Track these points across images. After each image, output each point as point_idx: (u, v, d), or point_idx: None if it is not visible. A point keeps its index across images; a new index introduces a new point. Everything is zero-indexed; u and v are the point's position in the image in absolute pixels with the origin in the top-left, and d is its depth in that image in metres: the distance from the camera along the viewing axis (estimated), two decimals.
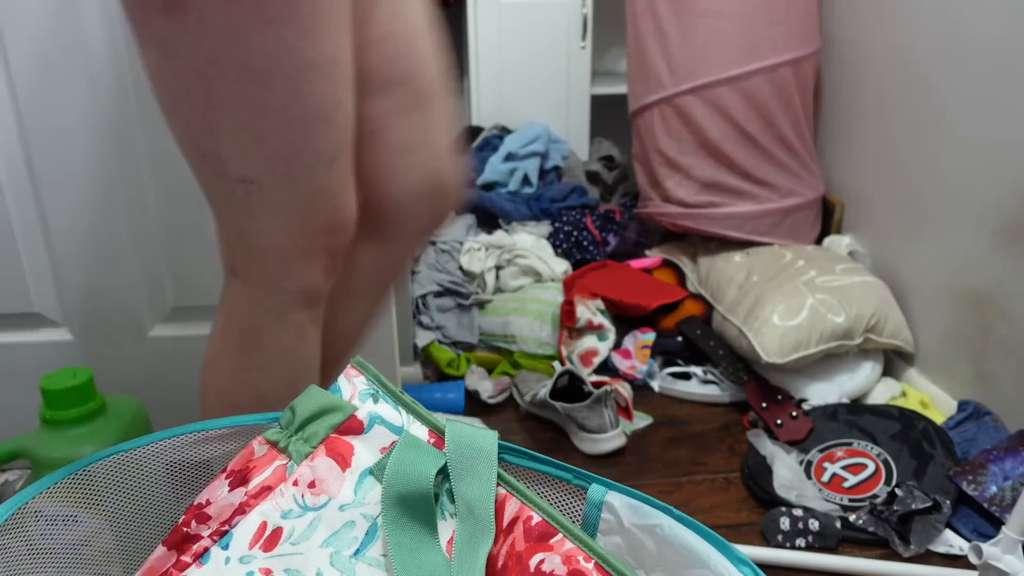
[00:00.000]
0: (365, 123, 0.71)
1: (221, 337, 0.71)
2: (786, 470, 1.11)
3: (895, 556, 0.99)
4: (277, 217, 0.64)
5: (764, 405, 1.26)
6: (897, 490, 1.03)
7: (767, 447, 1.16)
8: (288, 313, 0.69)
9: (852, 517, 1.04)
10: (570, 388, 1.34)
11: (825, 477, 1.12)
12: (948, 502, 1.01)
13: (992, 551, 0.89)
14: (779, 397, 1.27)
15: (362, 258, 0.78)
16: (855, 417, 1.21)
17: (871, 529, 1.01)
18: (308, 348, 0.71)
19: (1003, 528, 0.87)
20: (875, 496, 1.07)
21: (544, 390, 1.31)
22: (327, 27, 0.59)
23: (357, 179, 0.71)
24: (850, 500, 1.08)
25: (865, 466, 1.12)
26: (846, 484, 1.10)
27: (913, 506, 1.00)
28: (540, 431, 1.31)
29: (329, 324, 0.77)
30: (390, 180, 0.75)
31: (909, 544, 0.99)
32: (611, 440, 1.23)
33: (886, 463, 1.12)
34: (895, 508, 1.01)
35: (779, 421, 1.22)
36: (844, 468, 1.12)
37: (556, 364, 1.39)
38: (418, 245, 0.85)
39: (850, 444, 1.16)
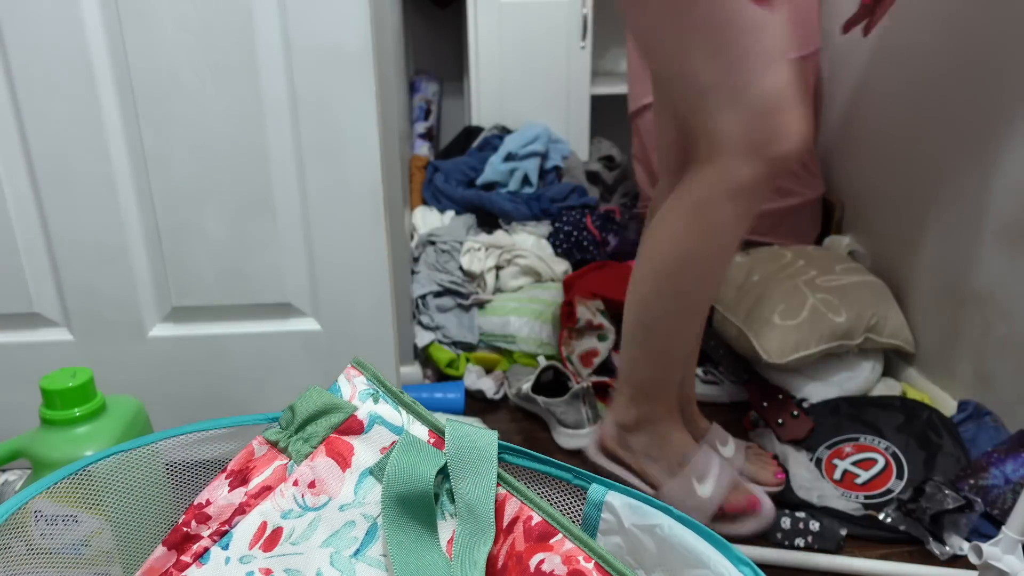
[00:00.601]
0: None
1: (679, 203, 0.90)
2: (803, 470, 1.10)
3: (895, 556, 0.99)
4: (731, 115, 0.82)
5: (765, 404, 1.26)
6: (926, 487, 1.02)
7: (777, 447, 1.16)
8: (736, 197, 0.85)
9: (881, 515, 1.03)
10: (555, 383, 1.36)
11: (836, 474, 1.11)
12: (980, 500, 1.00)
13: (992, 551, 0.89)
14: (779, 396, 1.27)
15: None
16: (858, 411, 1.21)
17: (902, 527, 1.00)
18: (732, 234, 0.88)
19: (1003, 528, 0.87)
20: (889, 491, 1.07)
21: (527, 384, 1.33)
22: None
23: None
24: (865, 497, 1.07)
25: (875, 461, 1.11)
26: (858, 480, 1.09)
27: (947, 505, 0.99)
28: (539, 430, 1.31)
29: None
30: None
31: (944, 544, 0.98)
32: (587, 437, 1.24)
33: (895, 456, 1.11)
34: (926, 506, 1.00)
35: (780, 420, 1.22)
36: (854, 464, 1.12)
37: (541, 359, 1.40)
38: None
39: (856, 439, 1.15)
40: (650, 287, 0.94)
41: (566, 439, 1.26)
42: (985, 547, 0.89)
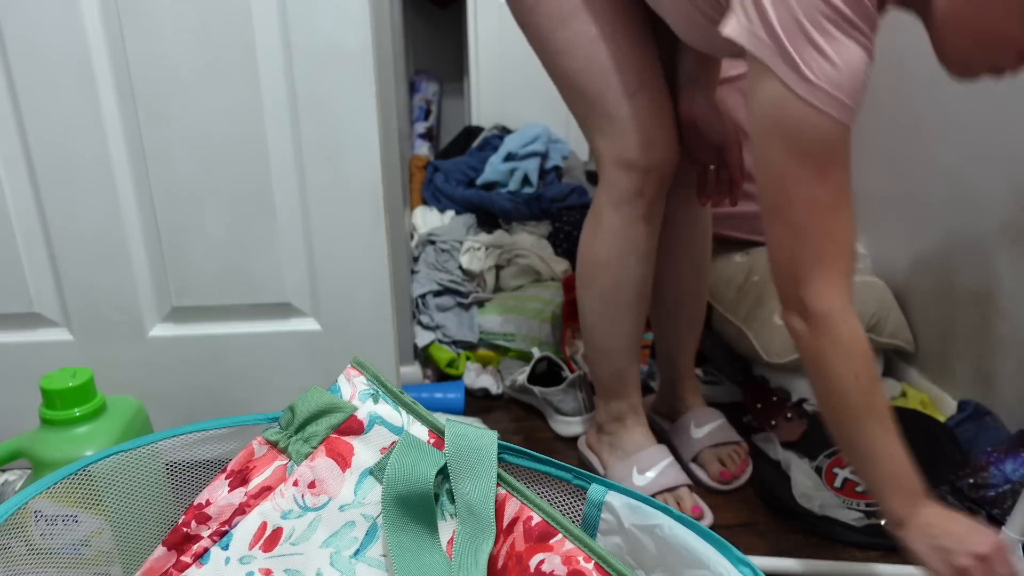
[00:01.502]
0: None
1: (589, 213, 1.05)
2: (805, 477, 1.09)
3: (894, 559, 0.99)
4: (603, 138, 0.98)
5: (759, 405, 1.26)
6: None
7: (779, 452, 1.15)
8: (619, 206, 0.99)
9: (883, 522, 1.02)
10: (549, 373, 1.38)
11: (837, 483, 1.10)
12: (984, 512, 0.99)
13: None
14: (774, 399, 1.27)
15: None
16: None
17: None
18: (633, 234, 1.00)
19: (1003, 528, 0.86)
20: None
21: (522, 376, 1.35)
22: (581, 16, 0.93)
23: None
24: (867, 505, 1.07)
25: None
26: (859, 488, 1.09)
27: None
28: (539, 430, 1.31)
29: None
30: None
31: None
32: (584, 423, 1.27)
33: None
34: None
35: (773, 422, 1.22)
36: (854, 472, 1.11)
37: (535, 350, 1.41)
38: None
39: None
40: (581, 291, 1.07)
41: (564, 426, 1.28)
42: None
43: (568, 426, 1.28)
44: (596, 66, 0.94)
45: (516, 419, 1.35)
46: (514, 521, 0.49)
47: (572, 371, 1.37)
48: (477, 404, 1.38)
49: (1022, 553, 0.87)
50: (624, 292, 1.03)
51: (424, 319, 1.53)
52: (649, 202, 0.99)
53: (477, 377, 1.40)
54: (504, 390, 1.40)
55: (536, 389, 1.31)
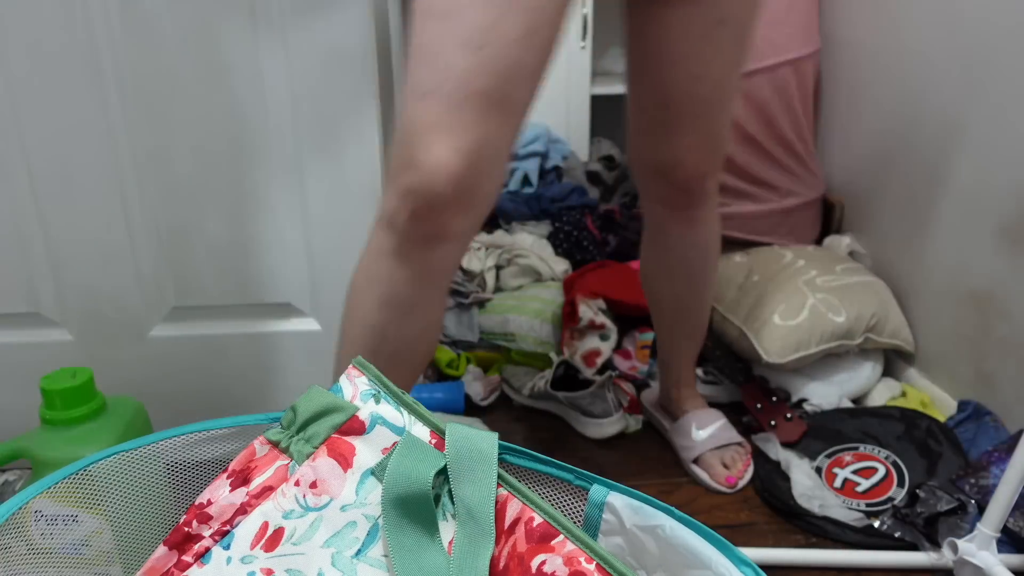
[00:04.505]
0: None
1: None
2: (805, 477, 1.10)
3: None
4: (394, 141, 0.75)
5: (759, 406, 1.26)
6: (919, 491, 1.02)
7: (779, 452, 1.15)
8: (376, 224, 0.77)
9: (876, 523, 1.03)
10: (565, 378, 1.37)
11: (837, 483, 1.11)
12: (973, 502, 1.00)
13: (967, 547, 0.89)
14: (774, 399, 1.27)
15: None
16: (857, 420, 1.21)
17: (897, 534, 1.00)
18: (376, 269, 0.77)
19: (978, 524, 0.87)
20: (891, 499, 1.07)
21: (543, 381, 1.34)
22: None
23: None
24: (867, 505, 1.07)
25: (875, 469, 1.11)
26: (859, 489, 1.09)
27: (939, 508, 0.98)
28: (540, 430, 1.31)
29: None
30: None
31: (939, 546, 0.98)
32: (616, 423, 1.26)
33: (895, 465, 1.11)
34: (920, 510, 0.99)
35: (773, 422, 1.22)
36: (855, 472, 1.12)
37: (553, 355, 1.41)
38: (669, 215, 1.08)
39: (856, 448, 1.15)
40: None
41: (594, 428, 1.28)
42: (960, 543, 0.90)
43: (599, 427, 1.27)
44: (424, 42, 0.72)
45: (517, 419, 1.35)
46: (515, 522, 0.49)
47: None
48: (476, 405, 1.38)
49: (996, 549, 0.87)
50: (355, 330, 0.82)
51: None
52: (400, 236, 0.74)
53: (473, 381, 1.40)
54: (515, 399, 1.39)
55: (561, 395, 1.30)
